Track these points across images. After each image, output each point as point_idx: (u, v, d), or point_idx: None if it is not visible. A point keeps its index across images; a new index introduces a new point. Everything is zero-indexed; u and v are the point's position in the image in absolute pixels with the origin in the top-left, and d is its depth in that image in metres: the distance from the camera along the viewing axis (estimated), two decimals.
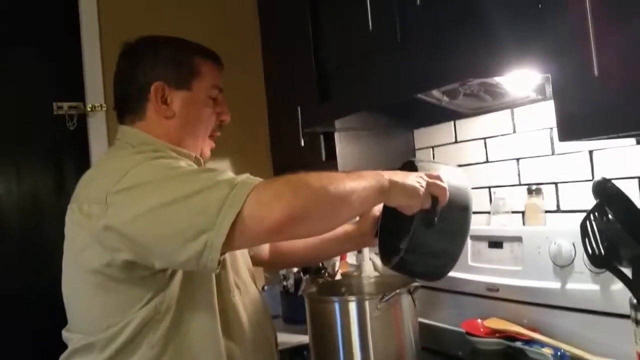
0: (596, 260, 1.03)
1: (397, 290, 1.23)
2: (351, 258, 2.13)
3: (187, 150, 1.19)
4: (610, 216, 1.02)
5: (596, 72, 0.96)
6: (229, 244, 0.93)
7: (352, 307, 1.24)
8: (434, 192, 1.12)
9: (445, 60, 1.29)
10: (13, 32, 1.91)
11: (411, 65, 1.41)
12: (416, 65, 1.39)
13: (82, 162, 1.95)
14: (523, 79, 1.38)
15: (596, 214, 1.02)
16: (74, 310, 1.15)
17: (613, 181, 1.14)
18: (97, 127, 1.96)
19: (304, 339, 1.70)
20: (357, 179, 1.02)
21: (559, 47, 1.04)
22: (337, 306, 1.26)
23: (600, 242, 1.02)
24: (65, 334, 1.16)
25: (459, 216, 1.22)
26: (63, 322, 1.17)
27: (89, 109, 1.95)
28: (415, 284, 1.26)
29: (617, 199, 1.01)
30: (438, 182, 1.13)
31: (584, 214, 1.40)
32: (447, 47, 1.29)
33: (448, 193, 1.15)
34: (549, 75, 1.26)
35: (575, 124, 1.03)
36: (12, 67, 1.92)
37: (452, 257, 1.24)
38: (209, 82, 1.22)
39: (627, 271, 1.06)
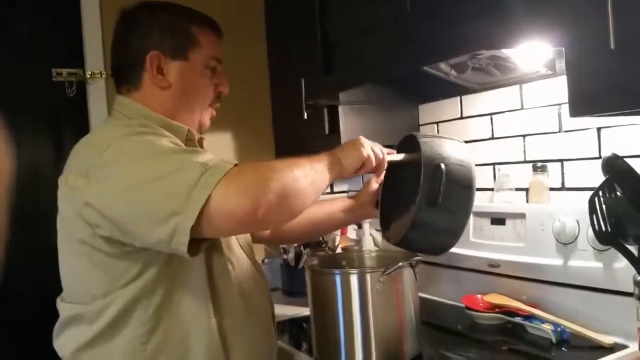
0: (602, 237, 1.02)
1: (400, 264, 1.22)
2: (351, 233, 2.13)
3: (181, 123, 1.17)
4: (618, 193, 1.01)
5: (612, 45, 0.94)
6: (198, 230, 0.91)
7: (354, 279, 1.24)
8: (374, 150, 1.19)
9: (454, 32, 1.26)
10: None
11: (419, 37, 1.37)
12: (425, 37, 1.36)
13: (81, 130, 1.90)
14: (534, 52, 1.36)
15: (605, 190, 1.00)
16: (64, 279, 1.15)
17: None
18: (96, 95, 1.92)
19: (303, 310, 1.71)
20: (313, 160, 1.06)
21: (573, 17, 1.02)
22: (338, 278, 1.26)
23: (608, 219, 1.00)
24: (58, 303, 1.16)
25: (463, 194, 1.21)
26: (58, 295, 1.17)
27: (88, 76, 1.91)
28: (418, 257, 1.25)
29: (627, 176, 1.00)
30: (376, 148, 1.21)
31: (589, 192, 1.40)
32: (457, 17, 1.26)
33: (386, 159, 1.25)
34: (562, 49, 1.24)
35: (588, 99, 1.02)
36: (10, 33, 1.86)
37: (455, 234, 1.24)
38: (206, 52, 1.18)
39: (633, 249, 1.05)
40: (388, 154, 1.31)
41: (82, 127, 1.92)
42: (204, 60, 1.18)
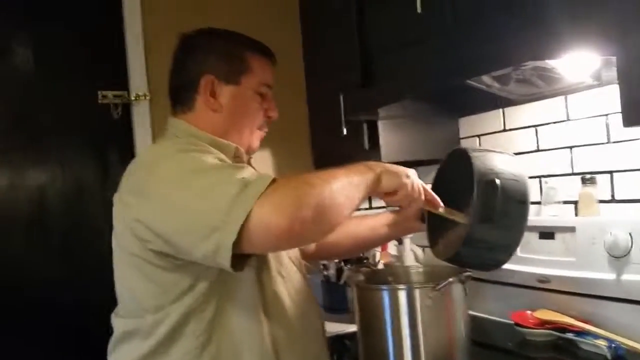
0: None
1: (450, 279, 1.20)
2: (392, 249, 2.11)
3: (229, 141, 1.19)
4: None
5: None
6: (240, 246, 0.92)
7: (402, 295, 1.22)
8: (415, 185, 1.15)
9: (499, 44, 1.25)
10: (58, 20, 1.93)
11: (462, 50, 1.37)
12: (467, 49, 1.35)
13: (126, 151, 1.96)
14: (579, 62, 1.33)
15: None
16: (119, 293, 1.17)
17: None
18: (141, 116, 1.97)
19: (346, 327, 1.70)
20: (348, 171, 1.03)
21: (624, 25, 1.00)
22: (386, 294, 1.25)
23: None
24: (112, 318, 1.19)
25: (518, 209, 1.18)
26: (109, 311, 1.20)
27: (133, 98, 1.96)
28: (468, 273, 1.23)
29: None
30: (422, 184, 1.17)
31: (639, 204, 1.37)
32: (501, 29, 1.26)
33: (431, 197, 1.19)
34: (611, 58, 1.22)
35: None
36: (57, 55, 1.94)
37: (509, 250, 1.20)
38: (258, 78, 1.21)
39: None
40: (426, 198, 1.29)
41: (127, 148, 1.97)
42: (255, 86, 1.21)
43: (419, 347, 1.20)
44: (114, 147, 2.00)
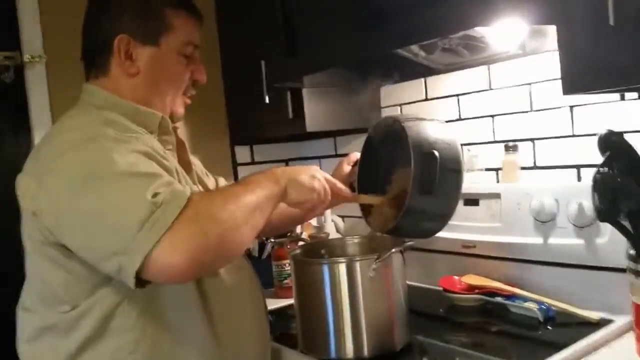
0: (600, 214, 1.02)
1: (393, 250, 1.18)
2: (312, 220, 2.08)
3: (153, 109, 1.09)
4: (614, 169, 1.01)
5: (612, 21, 0.94)
6: (141, 273, 0.85)
7: (342, 268, 1.19)
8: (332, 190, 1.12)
9: (430, 11, 1.22)
10: None
11: (393, 18, 1.33)
12: (399, 18, 1.32)
13: (20, 120, 1.75)
14: (508, 32, 1.35)
15: (604, 167, 1.01)
16: (30, 284, 1.05)
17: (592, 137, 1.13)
18: (36, 80, 1.75)
19: (275, 302, 1.65)
20: (255, 188, 0.97)
21: None
22: (326, 268, 1.20)
23: (605, 195, 1.01)
24: (20, 314, 1.06)
25: (454, 177, 1.19)
26: (9, 299, 1.08)
27: (26, 60, 1.73)
28: (410, 242, 1.22)
29: (622, 152, 1.01)
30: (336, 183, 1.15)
31: (562, 170, 1.43)
32: None
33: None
34: (541, 27, 1.24)
35: (583, 77, 1.02)
36: None
37: (447, 218, 1.22)
38: (181, 37, 1.10)
39: (627, 225, 1.07)
40: (348, 163, 1.33)
41: (20, 116, 1.75)
42: (177, 47, 1.10)
43: (360, 320, 1.18)
44: (5, 116, 1.77)
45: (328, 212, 2.03)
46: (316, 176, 1.09)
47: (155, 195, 0.86)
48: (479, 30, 1.32)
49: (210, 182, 1.33)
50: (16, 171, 1.00)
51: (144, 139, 1.01)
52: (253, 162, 2.28)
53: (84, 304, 0.96)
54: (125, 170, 0.89)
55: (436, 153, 1.14)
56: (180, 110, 1.16)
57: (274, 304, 1.64)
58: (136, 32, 1.06)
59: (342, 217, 2.12)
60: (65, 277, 0.97)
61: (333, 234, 2.03)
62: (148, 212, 0.84)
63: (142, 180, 0.89)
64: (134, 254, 0.83)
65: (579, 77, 1.02)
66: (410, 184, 1.13)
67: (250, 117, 2.00)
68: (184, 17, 1.11)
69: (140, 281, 0.87)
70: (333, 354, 1.19)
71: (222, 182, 1.39)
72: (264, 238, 1.94)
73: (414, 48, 1.50)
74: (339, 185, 1.17)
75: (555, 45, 1.07)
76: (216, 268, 1.00)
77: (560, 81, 1.06)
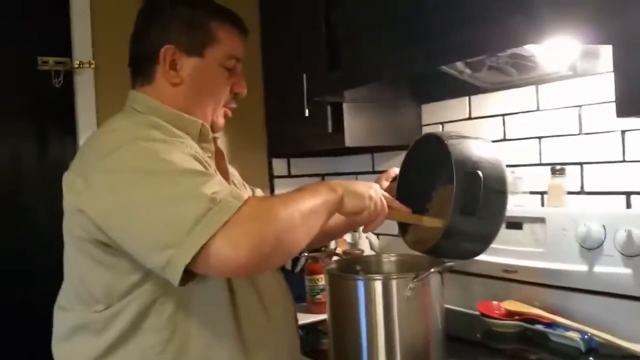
0: None
1: (432, 270, 1.15)
2: (347, 236, 2.06)
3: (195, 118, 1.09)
4: None
5: None
6: (192, 267, 0.85)
7: (378, 285, 1.16)
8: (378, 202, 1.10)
9: (477, 28, 1.20)
10: None
11: (439, 34, 1.31)
12: (446, 34, 1.29)
13: (67, 123, 1.79)
14: (559, 51, 1.32)
15: None
16: (68, 281, 1.05)
17: None
18: (84, 86, 1.79)
19: (306, 317, 1.63)
20: (313, 194, 0.98)
21: (624, 10, 0.97)
22: (361, 284, 1.18)
23: None
24: (56, 312, 1.06)
25: (497, 199, 1.15)
26: (47, 299, 1.08)
27: (76, 66, 1.78)
28: (450, 263, 1.19)
29: None
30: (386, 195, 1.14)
31: (611, 196, 1.37)
32: (481, 12, 1.20)
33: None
34: (593, 47, 1.21)
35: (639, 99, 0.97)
36: None
37: (489, 240, 1.18)
38: (226, 50, 1.11)
39: None
40: (386, 179, 1.33)
41: (68, 120, 1.80)
42: (221, 59, 1.11)
43: (394, 339, 1.15)
44: (54, 119, 1.82)
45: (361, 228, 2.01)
46: (373, 187, 1.10)
47: (213, 193, 0.87)
48: (528, 49, 1.29)
49: (247, 194, 1.33)
50: (62, 172, 1.01)
51: (189, 143, 1.02)
52: (289, 175, 2.28)
53: (118, 304, 0.96)
54: (179, 167, 0.91)
55: (480, 173, 1.11)
56: (221, 120, 1.17)
57: (305, 318, 1.62)
58: (182, 43, 1.08)
59: (377, 234, 2.09)
60: (103, 275, 0.97)
61: (367, 252, 2.01)
62: (206, 208, 0.85)
63: (198, 177, 0.90)
64: (188, 247, 0.83)
65: (635, 100, 0.98)
66: (452, 204, 1.10)
67: (289, 130, 2.00)
68: (229, 31, 1.12)
69: (184, 278, 0.86)
70: None
71: (259, 193, 1.39)
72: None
73: (460, 65, 1.48)
74: (397, 203, 1.17)
75: (607, 67, 1.04)
76: (272, 265, 1.00)
77: (612, 104, 1.02)
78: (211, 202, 0.85)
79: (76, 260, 1.02)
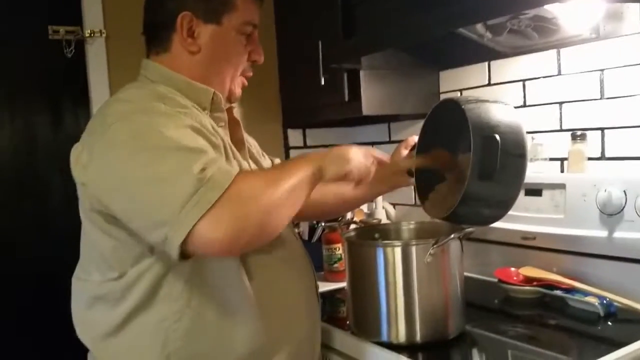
0: None
1: (452, 235, 1.14)
2: (363, 206, 2.05)
3: (207, 86, 1.08)
4: None
5: None
6: (185, 245, 0.85)
7: (398, 252, 1.15)
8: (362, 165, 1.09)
9: None
10: None
11: None
12: None
13: (80, 94, 1.78)
14: (583, 11, 1.28)
15: None
16: (84, 251, 1.06)
17: None
18: (96, 55, 1.78)
19: (324, 285, 1.63)
20: (292, 170, 0.97)
21: None
22: (380, 251, 1.17)
23: None
24: (74, 282, 1.08)
25: (516, 163, 1.13)
26: (65, 268, 1.09)
27: (87, 35, 1.76)
28: (470, 229, 1.18)
29: None
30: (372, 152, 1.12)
31: (632, 162, 1.35)
32: None
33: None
34: (619, 7, 1.17)
35: None
36: None
37: (508, 205, 1.16)
38: (243, 17, 1.09)
39: None
40: (405, 147, 1.30)
41: (80, 90, 1.79)
42: (238, 26, 1.09)
43: (414, 305, 1.15)
44: (66, 89, 1.81)
45: (379, 198, 2.00)
46: (352, 148, 1.08)
47: (202, 170, 0.87)
48: (551, 10, 1.26)
49: (266, 163, 1.32)
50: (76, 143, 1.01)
51: (193, 114, 1.01)
52: (305, 146, 2.27)
53: (131, 271, 0.97)
54: (173, 145, 0.90)
55: (497, 137, 1.09)
56: (238, 90, 1.16)
57: (323, 287, 1.62)
58: (199, 10, 1.06)
59: (394, 204, 2.08)
60: (113, 244, 0.98)
61: (384, 221, 2.00)
62: (194, 187, 0.85)
63: (189, 155, 0.89)
64: (180, 226, 0.84)
65: None
66: (470, 169, 1.08)
67: (304, 99, 1.98)
68: None
69: (183, 254, 0.87)
70: (385, 337, 1.16)
71: (278, 162, 1.38)
72: (315, 222, 1.92)
73: (480, 28, 1.45)
74: (379, 153, 1.15)
75: (631, 29, 1.00)
76: (255, 246, 0.99)
77: (635, 67, 0.99)
78: (199, 181, 0.85)
79: (88, 230, 1.03)
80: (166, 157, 0.89)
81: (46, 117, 1.79)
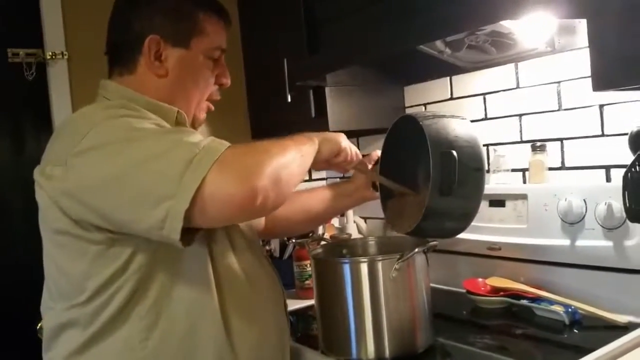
0: (630, 215, 0.99)
1: (416, 249, 1.15)
2: (334, 221, 2.06)
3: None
4: None
5: None
6: (191, 217, 0.83)
7: (364, 267, 1.16)
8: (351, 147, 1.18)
9: (455, 6, 1.19)
10: None
11: (418, 13, 1.31)
12: (424, 12, 1.29)
13: (41, 118, 1.76)
14: (536, 27, 1.31)
15: (636, 166, 0.97)
16: (51, 280, 1.03)
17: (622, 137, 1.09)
18: (58, 78, 1.76)
19: (295, 303, 1.63)
20: (298, 142, 1.01)
21: None
22: (347, 268, 1.18)
23: (636, 195, 0.97)
24: (44, 313, 1.05)
25: (475, 177, 1.16)
26: (27, 295, 1.07)
27: (48, 57, 1.74)
28: (433, 242, 1.19)
29: None
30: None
31: (591, 171, 1.38)
32: None
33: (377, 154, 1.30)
34: (570, 22, 1.21)
35: (614, 73, 0.98)
36: None
37: (469, 218, 1.19)
38: (211, 42, 1.09)
39: None
40: (369, 162, 1.34)
41: (42, 113, 1.76)
42: (207, 50, 1.09)
43: (382, 320, 1.15)
44: (28, 112, 1.78)
45: (350, 212, 2.01)
46: (342, 136, 1.17)
47: (197, 141, 0.87)
48: (506, 26, 1.29)
49: None
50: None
51: (162, 124, 1.00)
52: None
53: (100, 298, 0.95)
54: (159, 130, 0.91)
55: (454, 153, 1.11)
56: (202, 115, 1.15)
57: (295, 304, 1.62)
58: (167, 34, 1.05)
59: (365, 218, 2.09)
60: (82, 267, 0.95)
61: (355, 235, 2.01)
62: (191, 153, 0.83)
63: (179, 133, 0.90)
64: (183, 192, 0.81)
65: (610, 73, 0.98)
66: (430, 185, 1.10)
67: (272, 116, 1.99)
68: (215, 22, 1.10)
69: (187, 236, 0.85)
70: (354, 355, 1.16)
71: None
72: (286, 239, 1.92)
73: (440, 45, 1.47)
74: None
75: (585, 42, 1.04)
76: (271, 205, 0.92)
77: (589, 79, 1.02)
78: (196, 147, 0.84)
79: (54, 255, 1.00)
80: (155, 139, 0.88)
81: (7, 142, 1.76)
